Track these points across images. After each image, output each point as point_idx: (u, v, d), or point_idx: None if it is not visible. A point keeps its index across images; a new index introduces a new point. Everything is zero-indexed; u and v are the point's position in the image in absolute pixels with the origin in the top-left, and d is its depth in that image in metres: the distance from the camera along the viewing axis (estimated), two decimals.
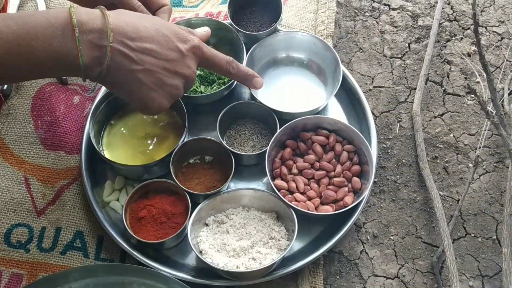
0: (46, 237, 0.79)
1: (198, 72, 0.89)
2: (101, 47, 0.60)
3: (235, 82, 0.88)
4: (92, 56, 0.60)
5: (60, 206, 0.81)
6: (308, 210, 0.77)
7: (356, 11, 1.04)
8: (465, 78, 0.96)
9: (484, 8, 1.04)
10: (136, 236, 0.74)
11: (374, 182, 0.86)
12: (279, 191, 0.78)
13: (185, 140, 0.82)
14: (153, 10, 0.90)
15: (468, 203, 0.84)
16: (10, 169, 0.83)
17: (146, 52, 0.64)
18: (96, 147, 0.80)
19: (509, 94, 0.92)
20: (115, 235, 0.77)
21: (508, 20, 1.02)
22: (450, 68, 0.97)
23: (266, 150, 0.79)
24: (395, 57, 0.98)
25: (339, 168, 0.81)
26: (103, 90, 0.88)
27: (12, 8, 0.97)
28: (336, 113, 0.89)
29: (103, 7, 0.64)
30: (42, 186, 0.82)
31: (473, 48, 0.98)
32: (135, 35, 0.63)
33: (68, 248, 0.78)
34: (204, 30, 0.83)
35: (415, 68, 0.97)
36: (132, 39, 0.63)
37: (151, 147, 0.84)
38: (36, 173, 0.83)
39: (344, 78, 0.88)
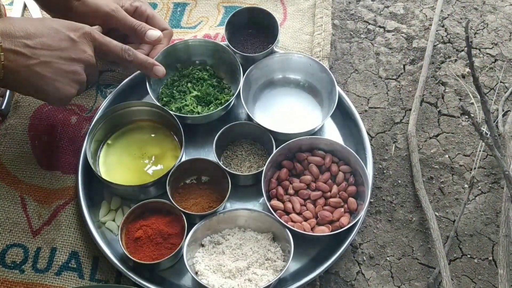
0: (41, 258, 0.78)
1: (195, 93, 0.89)
2: None
3: (232, 102, 0.88)
4: None
5: (55, 226, 0.80)
6: (304, 230, 0.77)
7: (352, 33, 1.05)
8: (460, 99, 0.97)
9: (477, 30, 1.05)
10: (131, 257, 0.74)
11: (370, 202, 0.86)
12: (275, 211, 0.78)
13: (182, 160, 0.82)
14: None
15: (464, 224, 0.84)
16: (6, 189, 0.83)
17: (39, 47, 0.70)
18: (92, 167, 0.81)
19: (503, 116, 0.93)
20: (110, 256, 0.77)
21: (501, 42, 1.03)
22: (445, 89, 0.98)
23: (262, 170, 0.79)
24: (390, 79, 0.99)
25: (335, 188, 0.81)
26: (100, 110, 0.89)
27: None
28: (332, 134, 0.90)
29: None
30: (38, 206, 0.82)
31: (467, 69, 1.00)
32: (24, 33, 0.69)
33: (63, 269, 0.78)
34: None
35: (410, 89, 0.98)
36: (22, 37, 0.69)
37: (147, 167, 0.84)
38: (32, 193, 0.83)
39: (340, 99, 0.88)
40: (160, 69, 0.85)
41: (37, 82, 0.71)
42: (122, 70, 0.95)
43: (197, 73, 0.92)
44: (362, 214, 0.78)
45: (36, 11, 1.01)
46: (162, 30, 0.94)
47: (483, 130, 0.85)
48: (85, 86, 0.78)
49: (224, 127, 0.84)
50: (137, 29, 0.89)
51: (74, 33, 0.74)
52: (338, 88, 0.88)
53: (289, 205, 0.80)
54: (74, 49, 0.73)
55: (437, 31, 1.04)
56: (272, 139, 0.83)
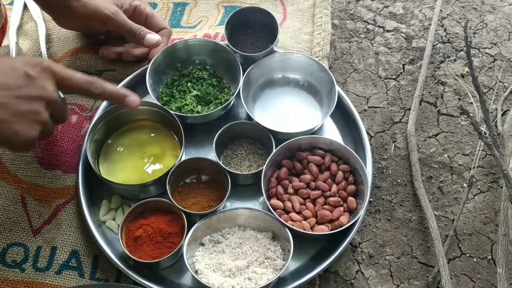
0: (42, 257, 0.79)
1: (194, 92, 0.90)
2: None
3: (232, 102, 0.89)
4: None
5: (56, 225, 0.81)
6: (304, 229, 0.77)
7: (351, 33, 1.05)
8: (459, 99, 0.97)
9: (477, 30, 1.06)
10: (131, 256, 0.74)
11: (370, 201, 0.86)
12: (275, 210, 0.78)
13: (182, 159, 0.82)
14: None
15: (463, 223, 0.85)
16: (6, 188, 0.83)
17: None
18: (93, 166, 0.81)
19: (502, 115, 0.93)
20: (111, 255, 0.77)
21: (500, 42, 1.04)
22: (444, 89, 0.98)
23: (262, 169, 0.80)
24: (390, 78, 1.00)
25: (334, 188, 0.82)
26: (100, 109, 0.89)
27: (12, 29, 0.99)
28: (332, 133, 0.90)
29: None
30: (39, 205, 0.82)
31: (466, 69, 1.00)
32: None
33: (64, 268, 0.78)
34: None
35: (410, 89, 0.98)
36: None
37: (147, 166, 0.84)
38: (32, 192, 0.83)
39: (340, 99, 0.89)
40: (134, 99, 0.76)
41: None
42: (121, 70, 0.95)
43: (197, 73, 0.93)
44: (361, 213, 0.78)
45: (36, 11, 1.01)
46: (161, 29, 0.94)
47: (482, 130, 0.85)
48: (50, 127, 0.69)
49: (224, 127, 0.84)
50: (136, 33, 0.90)
51: (32, 68, 0.66)
52: (337, 88, 0.88)
53: (288, 204, 0.80)
54: (32, 86, 0.65)
55: (436, 31, 1.04)
56: (272, 138, 0.83)
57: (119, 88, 0.77)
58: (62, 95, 0.74)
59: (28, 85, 0.65)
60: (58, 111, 0.70)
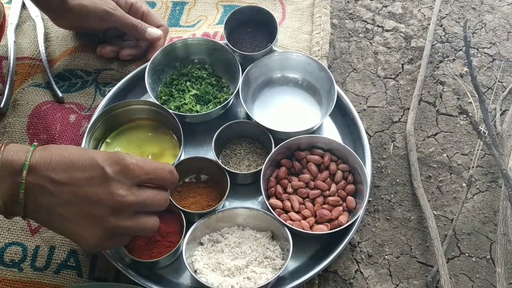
0: (40, 256, 0.78)
1: (193, 91, 0.89)
2: (15, 184, 0.58)
3: (231, 101, 0.88)
4: (9, 194, 0.59)
5: None
6: (303, 229, 0.77)
7: (350, 33, 1.05)
8: (458, 98, 0.97)
9: (475, 30, 1.06)
10: (130, 255, 0.74)
11: (369, 201, 0.86)
12: (274, 210, 0.78)
13: (181, 159, 0.82)
14: None
15: (462, 222, 0.85)
16: None
17: (66, 182, 0.59)
18: None
19: (501, 115, 0.93)
20: (109, 254, 0.77)
21: (499, 42, 1.04)
22: (443, 88, 0.98)
23: (261, 169, 0.80)
24: (389, 78, 1.00)
25: (333, 187, 0.82)
26: (99, 109, 0.89)
27: (10, 27, 0.98)
28: (331, 132, 0.90)
29: (36, 143, 0.63)
30: None
31: (465, 69, 1.00)
32: (56, 165, 0.59)
33: (62, 267, 0.78)
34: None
35: (409, 88, 0.98)
36: (53, 170, 0.59)
37: None
38: None
39: (339, 98, 0.89)
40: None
41: (57, 224, 0.61)
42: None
43: (196, 72, 0.93)
44: (360, 212, 0.78)
45: (34, 10, 1.01)
46: (157, 26, 0.95)
47: (481, 129, 0.85)
48: (122, 230, 0.63)
49: (223, 126, 0.84)
50: (138, 27, 0.90)
51: (111, 167, 0.60)
52: (336, 87, 0.88)
53: (287, 203, 0.80)
54: (105, 187, 0.59)
55: (435, 30, 1.04)
56: (271, 137, 0.83)
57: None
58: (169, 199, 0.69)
59: (101, 186, 0.59)
60: (125, 215, 0.62)
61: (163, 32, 0.95)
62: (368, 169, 0.84)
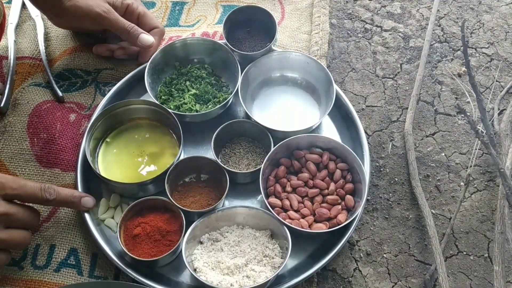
0: (40, 255, 0.79)
1: (193, 91, 0.90)
2: None
3: (230, 100, 0.89)
4: None
5: (55, 223, 0.81)
6: (302, 228, 0.77)
7: (349, 32, 1.06)
8: (456, 98, 0.97)
9: (474, 30, 1.06)
10: (130, 254, 0.75)
11: (367, 200, 0.86)
12: (273, 209, 0.79)
13: (180, 158, 0.82)
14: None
15: (460, 221, 0.85)
16: None
17: None
18: (91, 164, 0.81)
19: (498, 114, 0.93)
20: (109, 253, 0.77)
21: (497, 42, 1.04)
22: (441, 88, 0.99)
23: (260, 168, 0.80)
24: (387, 77, 1.00)
25: (332, 186, 0.82)
26: (99, 108, 0.89)
27: (10, 27, 0.99)
28: (330, 131, 0.91)
29: None
30: None
31: (464, 68, 1.00)
32: None
33: (62, 266, 0.78)
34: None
35: (407, 88, 0.98)
36: None
37: (146, 165, 0.84)
38: None
39: (337, 98, 0.89)
40: (89, 200, 0.79)
41: None
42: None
43: (195, 71, 0.93)
44: (359, 211, 0.78)
45: (34, 9, 1.01)
46: (153, 28, 0.95)
47: (479, 129, 0.85)
48: (10, 236, 0.70)
49: (223, 125, 0.84)
50: (130, 32, 0.90)
51: None
52: (335, 87, 0.88)
53: (287, 202, 0.80)
54: None
55: (433, 30, 1.04)
56: (270, 136, 0.83)
57: (73, 190, 0.78)
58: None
59: None
60: (13, 221, 0.70)
61: (158, 34, 0.95)
62: (366, 168, 0.84)
